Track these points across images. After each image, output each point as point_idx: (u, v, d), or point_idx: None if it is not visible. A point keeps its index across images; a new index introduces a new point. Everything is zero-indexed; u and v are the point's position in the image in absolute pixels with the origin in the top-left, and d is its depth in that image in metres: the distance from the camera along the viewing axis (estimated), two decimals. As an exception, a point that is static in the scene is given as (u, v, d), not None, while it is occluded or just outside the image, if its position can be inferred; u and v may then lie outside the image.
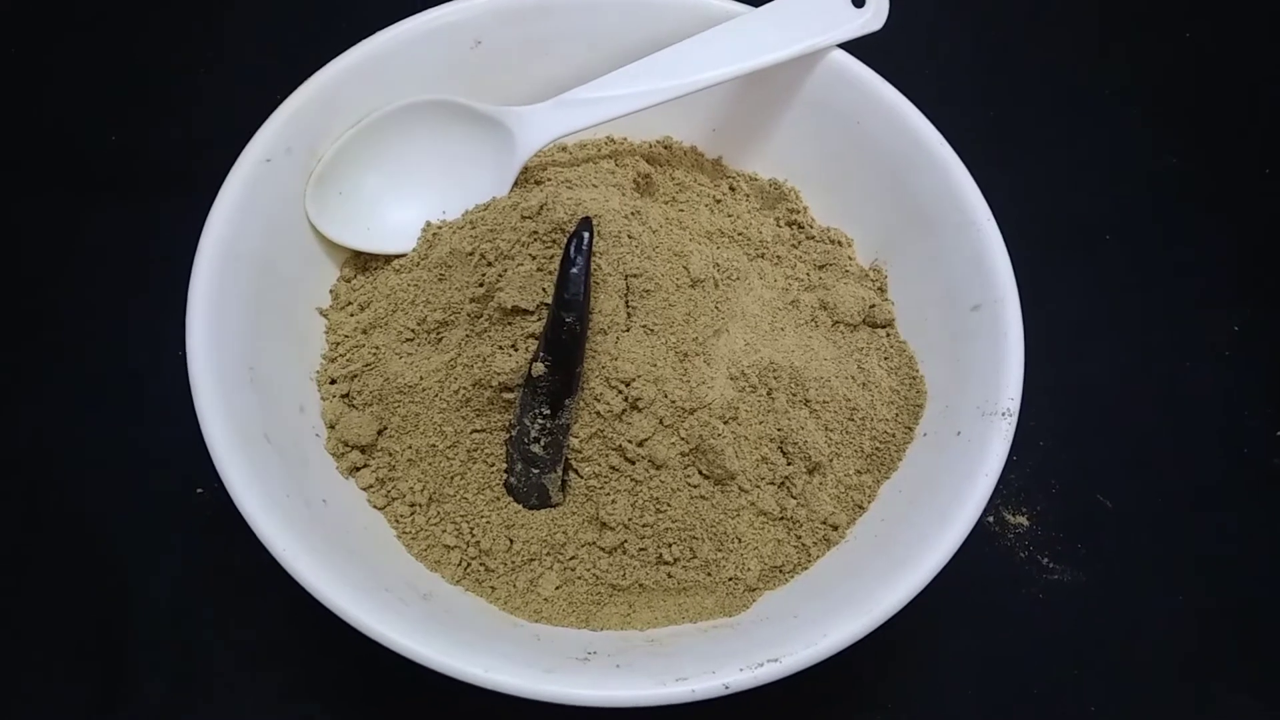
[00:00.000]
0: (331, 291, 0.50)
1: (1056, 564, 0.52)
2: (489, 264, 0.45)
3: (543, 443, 0.43)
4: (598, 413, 0.43)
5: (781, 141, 0.55)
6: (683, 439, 0.43)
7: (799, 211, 0.54)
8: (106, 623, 0.49)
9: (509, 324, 0.44)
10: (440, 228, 0.50)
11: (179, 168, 0.61)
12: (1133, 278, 0.61)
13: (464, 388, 0.44)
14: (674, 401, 0.43)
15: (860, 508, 0.46)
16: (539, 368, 0.41)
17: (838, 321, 0.49)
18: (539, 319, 0.43)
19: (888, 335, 0.50)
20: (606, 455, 0.43)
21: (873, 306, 0.50)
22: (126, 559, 0.50)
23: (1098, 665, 0.50)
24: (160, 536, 0.51)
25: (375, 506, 0.45)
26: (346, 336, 0.48)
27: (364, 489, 0.46)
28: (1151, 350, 0.59)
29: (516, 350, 0.43)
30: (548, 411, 0.42)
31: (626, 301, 0.44)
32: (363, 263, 0.51)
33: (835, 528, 0.45)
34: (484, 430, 0.45)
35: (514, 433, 0.43)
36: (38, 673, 0.48)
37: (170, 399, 0.49)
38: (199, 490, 0.51)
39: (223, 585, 0.50)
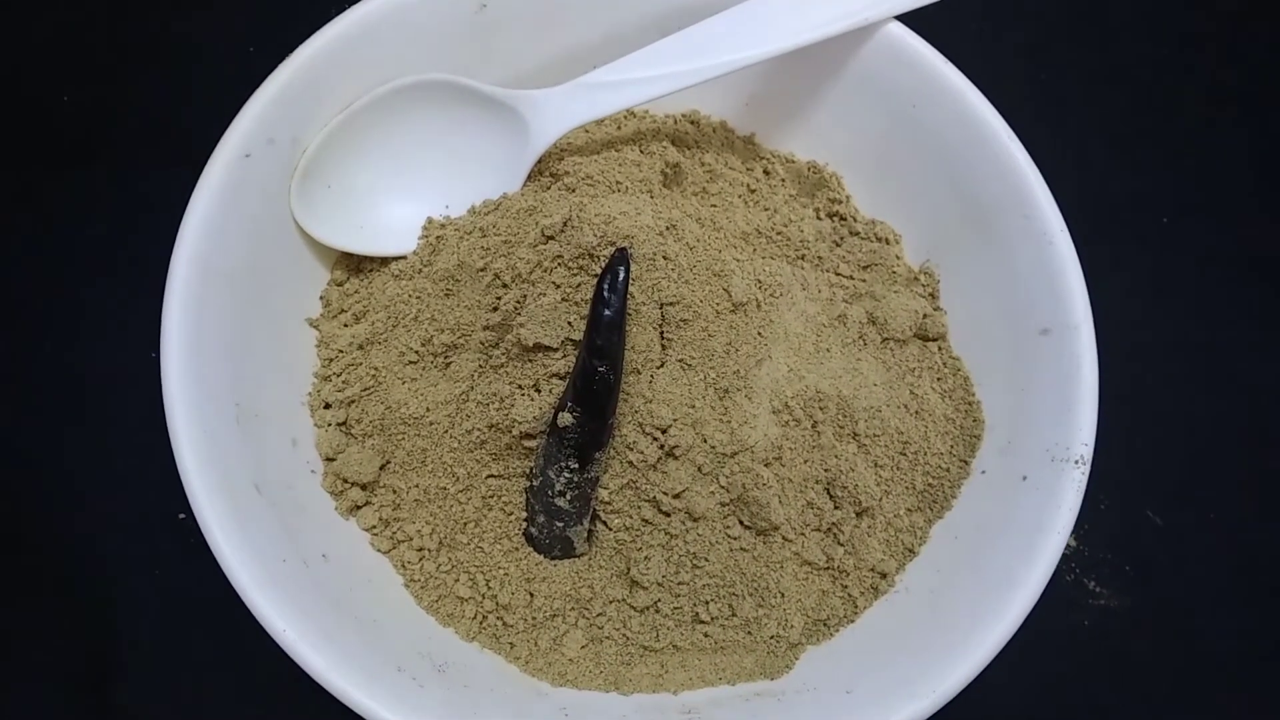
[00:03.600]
0: (322, 298, 0.45)
1: (1104, 588, 0.49)
2: (504, 285, 0.40)
3: (569, 496, 0.38)
4: (630, 462, 0.38)
5: (823, 121, 0.49)
6: (723, 488, 0.39)
7: (841, 201, 0.49)
8: (96, 655, 0.45)
9: (529, 361, 0.39)
10: (444, 227, 0.44)
11: (150, 132, 0.54)
12: (1189, 273, 0.56)
13: (478, 429, 0.40)
14: (713, 446, 0.38)
15: (910, 551, 0.42)
16: (566, 418, 0.37)
17: (887, 338, 0.45)
18: (564, 357, 0.38)
19: (940, 350, 0.45)
20: (639, 507, 0.39)
21: (925, 317, 0.45)
22: (112, 590, 0.46)
23: (1146, 697, 0.47)
24: (144, 565, 0.46)
25: (379, 550, 0.41)
26: (341, 352, 0.43)
27: (366, 529, 0.41)
28: (1206, 351, 0.55)
29: (539, 393, 0.39)
30: (575, 465, 0.38)
31: (661, 333, 0.39)
32: (355, 263, 0.45)
33: (884, 575, 0.41)
34: (501, 476, 0.40)
35: (536, 483, 0.39)
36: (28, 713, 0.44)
37: (143, 406, 0.44)
38: (181, 516, 0.47)
39: (211, 619, 0.46)
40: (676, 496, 0.38)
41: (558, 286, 0.38)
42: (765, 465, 0.39)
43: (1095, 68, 0.62)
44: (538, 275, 0.39)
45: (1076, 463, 0.39)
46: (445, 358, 0.41)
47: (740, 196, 0.47)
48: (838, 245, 0.48)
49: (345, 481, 0.41)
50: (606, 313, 0.35)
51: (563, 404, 0.37)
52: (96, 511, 0.47)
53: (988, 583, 0.38)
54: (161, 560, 0.47)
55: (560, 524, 0.39)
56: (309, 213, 0.43)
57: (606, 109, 0.44)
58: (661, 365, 0.39)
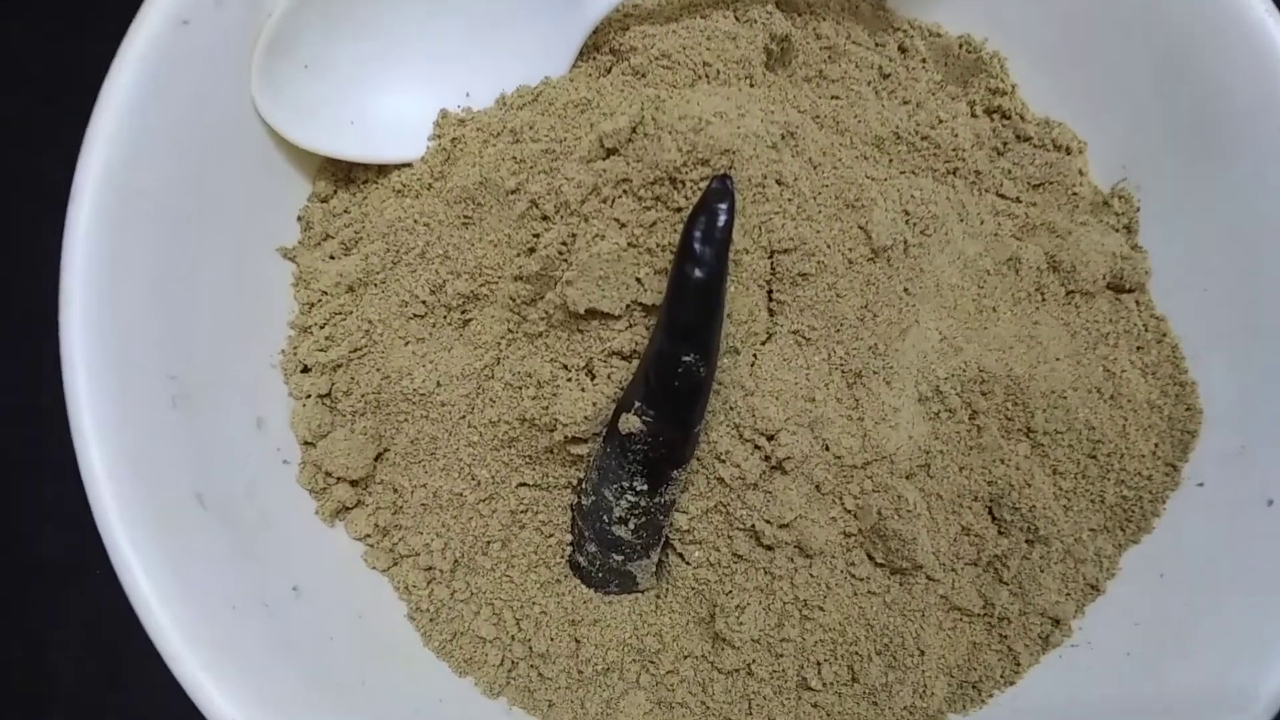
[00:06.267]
0: (300, 219, 0.33)
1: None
2: (544, 217, 0.28)
3: (631, 525, 0.27)
4: (720, 479, 0.27)
5: (985, -21, 0.36)
6: (849, 513, 0.28)
7: (1005, 93, 0.36)
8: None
9: (580, 331, 0.27)
10: (464, 124, 0.32)
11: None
12: None
13: (506, 420, 0.28)
14: (838, 456, 0.27)
15: (1094, 589, 0.31)
16: (633, 423, 0.25)
17: (1072, 291, 0.32)
18: (629, 328, 0.27)
19: (1139, 306, 0.33)
20: (730, 538, 0.28)
21: (1122, 260, 0.33)
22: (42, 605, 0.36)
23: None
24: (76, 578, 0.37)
25: (374, 567, 0.31)
26: (325, 294, 0.32)
27: (358, 539, 0.31)
28: None
29: (593, 379, 0.27)
30: (643, 486, 0.26)
31: (770, 293, 0.27)
32: (345, 172, 0.34)
33: (1057, 622, 0.31)
34: (536, 486, 0.29)
35: (586, 503, 0.28)
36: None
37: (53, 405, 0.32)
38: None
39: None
40: (784, 526, 0.28)
41: (622, 225, 0.26)
42: (907, 478, 0.28)
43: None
44: (593, 207, 0.27)
45: (1354, 490, 0.28)
46: (462, 312, 0.30)
47: (870, 84, 0.35)
48: (999, 154, 0.35)
49: (329, 475, 0.31)
50: (698, 273, 0.23)
51: (628, 402, 0.26)
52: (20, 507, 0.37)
53: (1219, 650, 0.27)
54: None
55: (618, 557, 0.28)
56: (279, 103, 0.31)
57: (691, -41, 0.31)
58: (768, 340, 0.27)
